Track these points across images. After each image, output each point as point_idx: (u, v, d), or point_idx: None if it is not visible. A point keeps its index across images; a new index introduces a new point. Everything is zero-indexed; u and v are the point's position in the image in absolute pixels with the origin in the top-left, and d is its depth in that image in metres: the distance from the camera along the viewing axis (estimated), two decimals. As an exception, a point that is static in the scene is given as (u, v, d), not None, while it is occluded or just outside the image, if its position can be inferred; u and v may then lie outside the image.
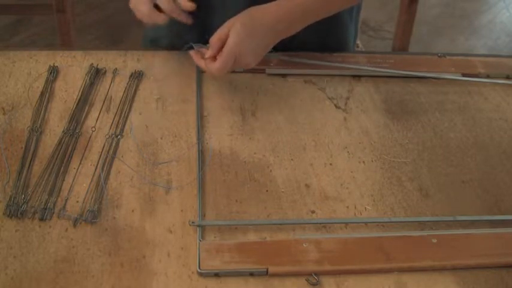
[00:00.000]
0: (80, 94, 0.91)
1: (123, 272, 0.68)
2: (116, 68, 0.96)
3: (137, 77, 0.95)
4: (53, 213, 0.73)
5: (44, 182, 0.77)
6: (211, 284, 0.67)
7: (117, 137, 0.85)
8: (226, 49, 0.84)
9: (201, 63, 0.88)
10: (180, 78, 0.96)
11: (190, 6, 0.88)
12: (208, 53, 0.86)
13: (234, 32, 0.84)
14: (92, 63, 0.96)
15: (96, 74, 0.95)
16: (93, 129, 0.86)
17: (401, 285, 0.69)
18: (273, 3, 0.88)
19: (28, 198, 0.75)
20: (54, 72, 0.94)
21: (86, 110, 0.89)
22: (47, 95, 0.90)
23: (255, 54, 0.87)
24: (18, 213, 0.72)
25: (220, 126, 0.89)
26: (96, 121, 0.87)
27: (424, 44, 2.70)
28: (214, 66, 0.85)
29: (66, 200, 0.75)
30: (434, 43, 2.76)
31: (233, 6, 0.91)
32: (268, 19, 0.87)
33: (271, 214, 0.77)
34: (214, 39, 0.86)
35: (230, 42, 0.84)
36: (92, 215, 0.73)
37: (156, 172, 0.80)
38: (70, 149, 0.82)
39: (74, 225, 0.72)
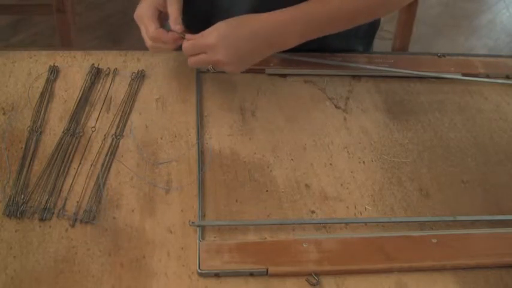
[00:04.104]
0: (80, 94, 0.91)
1: (123, 272, 0.68)
2: (117, 68, 0.96)
3: (139, 77, 0.95)
4: (53, 213, 0.73)
5: (43, 182, 0.77)
6: (211, 284, 0.67)
7: (117, 137, 0.85)
8: (199, 37, 0.85)
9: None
10: (180, 78, 0.96)
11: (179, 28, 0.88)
12: (190, 36, 0.87)
13: (215, 27, 0.84)
14: (93, 64, 0.96)
15: (97, 74, 0.95)
16: (93, 129, 0.86)
17: (402, 285, 0.69)
18: (270, 12, 0.87)
19: (27, 198, 0.74)
20: (54, 72, 0.94)
21: (86, 110, 0.89)
22: (47, 95, 0.90)
23: (229, 55, 0.85)
24: (18, 213, 0.72)
25: (220, 126, 0.89)
26: (96, 121, 0.87)
27: (424, 44, 2.70)
28: (184, 44, 0.87)
29: (65, 200, 0.75)
30: (434, 43, 2.76)
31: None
32: (256, 26, 0.86)
33: (271, 214, 0.77)
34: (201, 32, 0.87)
35: (205, 32, 0.85)
36: (91, 216, 0.73)
37: (156, 172, 0.80)
38: (70, 149, 0.82)
39: (73, 226, 0.72)
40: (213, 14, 0.99)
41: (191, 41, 0.86)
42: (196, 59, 0.87)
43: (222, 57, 0.85)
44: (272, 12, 0.87)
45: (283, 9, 0.87)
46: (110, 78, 0.95)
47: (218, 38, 0.84)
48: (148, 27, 0.88)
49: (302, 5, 0.88)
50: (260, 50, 0.88)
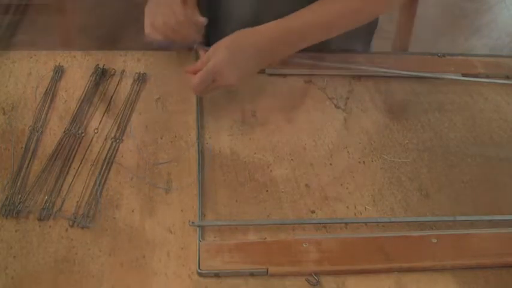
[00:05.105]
0: (83, 95, 0.91)
1: (123, 272, 0.68)
2: (125, 70, 0.96)
3: (140, 78, 0.95)
4: (51, 214, 0.73)
5: (42, 182, 0.77)
6: (211, 284, 0.67)
7: (117, 137, 0.85)
8: (204, 68, 0.85)
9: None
10: (180, 78, 0.96)
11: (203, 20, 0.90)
12: (190, 68, 0.87)
13: (216, 55, 0.85)
14: (98, 64, 0.96)
15: (102, 75, 0.94)
16: (96, 130, 0.85)
17: (402, 285, 0.69)
18: (264, 25, 0.88)
19: (25, 198, 0.74)
20: (59, 72, 0.94)
21: (87, 111, 0.89)
22: (50, 94, 0.90)
23: (237, 76, 0.86)
24: (14, 213, 0.72)
25: (220, 126, 0.89)
26: (100, 122, 0.87)
27: (424, 44, 2.70)
28: (192, 82, 0.86)
29: (63, 201, 0.75)
30: (434, 43, 2.76)
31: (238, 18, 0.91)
32: (255, 42, 0.87)
33: (271, 214, 0.77)
34: (202, 59, 0.87)
35: (210, 63, 0.84)
36: (87, 221, 0.72)
37: (156, 172, 0.80)
38: (70, 149, 0.82)
39: (71, 226, 0.72)
40: (217, 9, 1.00)
41: (198, 78, 0.85)
42: (206, 90, 0.87)
43: (230, 81, 0.85)
44: (268, 25, 0.88)
45: (279, 20, 0.88)
46: (112, 79, 0.95)
47: (222, 64, 0.84)
48: (177, 12, 0.88)
49: (297, 15, 0.88)
50: (261, 63, 0.90)
